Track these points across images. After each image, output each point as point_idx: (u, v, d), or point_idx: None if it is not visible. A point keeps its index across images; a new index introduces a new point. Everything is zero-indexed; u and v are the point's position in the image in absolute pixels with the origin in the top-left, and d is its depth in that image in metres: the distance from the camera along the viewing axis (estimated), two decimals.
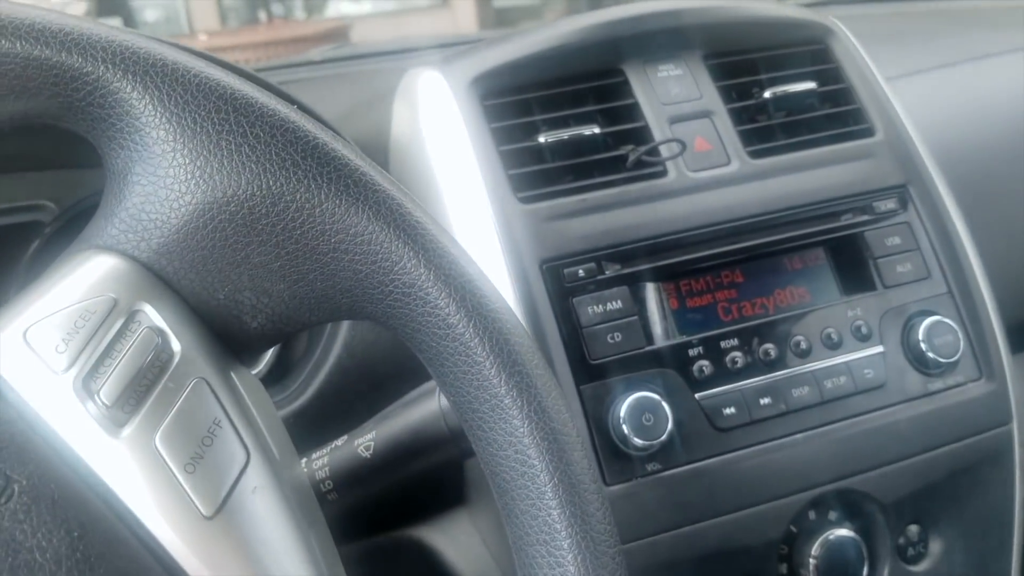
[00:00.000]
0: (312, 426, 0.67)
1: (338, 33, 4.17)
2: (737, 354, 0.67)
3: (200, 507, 0.35)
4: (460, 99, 0.70)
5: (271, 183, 0.37)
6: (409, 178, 0.76)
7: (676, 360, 0.65)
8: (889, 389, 0.68)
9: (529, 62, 0.72)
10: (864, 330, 0.69)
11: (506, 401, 0.38)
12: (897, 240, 0.72)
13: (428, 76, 0.73)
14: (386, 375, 0.68)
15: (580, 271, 0.66)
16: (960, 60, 0.91)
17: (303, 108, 0.70)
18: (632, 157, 0.69)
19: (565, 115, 0.72)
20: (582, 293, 0.66)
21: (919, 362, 0.69)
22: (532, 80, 0.72)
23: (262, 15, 6.43)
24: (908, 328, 0.70)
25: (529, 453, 0.38)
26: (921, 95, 0.86)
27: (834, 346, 0.68)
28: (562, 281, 0.66)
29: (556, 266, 0.66)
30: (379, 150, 0.81)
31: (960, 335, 0.69)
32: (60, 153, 0.72)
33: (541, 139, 0.70)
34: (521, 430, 0.38)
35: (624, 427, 0.62)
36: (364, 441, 0.53)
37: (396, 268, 0.38)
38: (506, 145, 0.69)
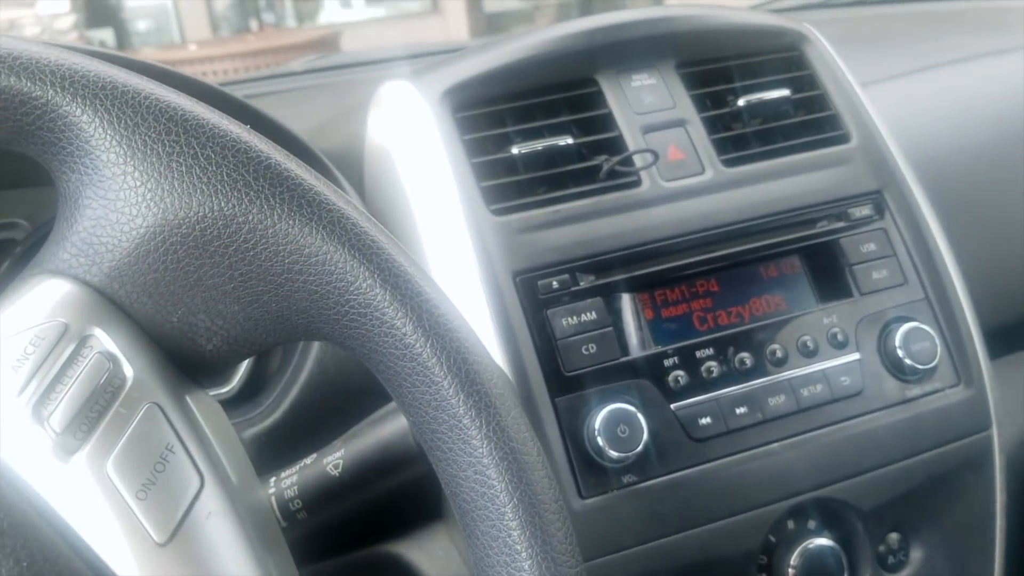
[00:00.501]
0: (286, 442, 0.67)
1: (327, 42, 4.17)
2: (713, 363, 0.66)
3: (153, 534, 0.34)
4: (432, 111, 0.70)
5: (223, 204, 0.37)
6: (383, 190, 0.76)
7: (651, 371, 0.65)
8: (867, 396, 0.68)
9: (502, 73, 0.72)
10: (840, 337, 0.69)
11: (464, 421, 0.38)
12: (873, 247, 0.72)
13: (400, 88, 0.73)
14: (359, 390, 0.68)
15: (554, 282, 0.66)
16: (937, 64, 0.91)
17: (270, 124, 0.70)
18: (605, 167, 0.69)
19: (538, 126, 0.72)
20: (556, 305, 0.65)
21: (896, 369, 0.69)
22: (505, 91, 0.72)
23: (253, 24, 6.43)
24: (885, 335, 0.70)
25: (488, 473, 0.38)
26: (897, 100, 0.86)
27: (810, 354, 0.68)
28: (536, 293, 0.65)
29: (530, 278, 0.66)
30: (355, 161, 0.81)
31: (937, 341, 0.69)
32: (32, 171, 0.72)
33: (514, 151, 0.69)
34: (480, 451, 0.38)
35: (599, 439, 0.61)
36: (333, 459, 0.53)
37: (351, 288, 0.38)
38: (478, 157, 0.69)
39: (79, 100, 0.36)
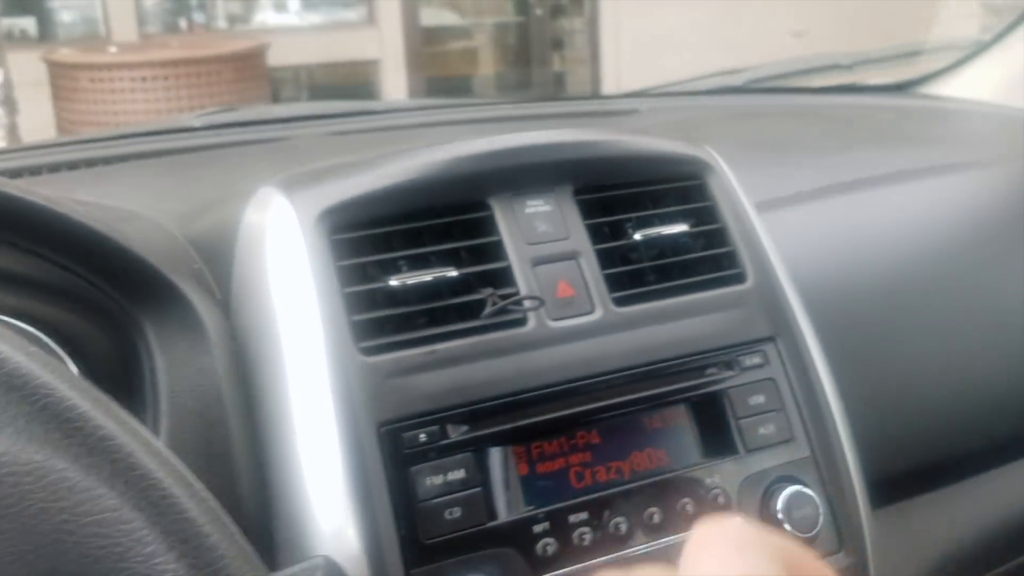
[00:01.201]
0: None
1: (253, 55, 4.04)
2: (586, 529, 0.62)
3: None
4: (305, 232, 0.65)
5: None
6: (250, 302, 0.70)
7: (519, 538, 0.61)
8: None
9: (387, 194, 0.67)
10: (721, 500, 0.66)
11: None
12: (761, 399, 0.69)
13: (274, 200, 0.67)
14: None
15: (421, 435, 0.61)
16: (839, 186, 0.90)
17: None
18: (488, 309, 0.65)
19: (422, 253, 0.67)
20: (421, 461, 0.60)
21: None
22: (388, 213, 0.67)
23: (183, 22, 6.23)
24: (767, 497, 0.67)
25: None
26: (794, 229, 0.84)
27: (690, 518, 0.65)
28: (400, 447, 0.60)
29: (395, 430, 0.61)
30: (227, 256, 0.75)
31: (820, 506, 0.67)
32: None
33: (393, 282, 0.64)
34: None
35: None
36: None
37: (132, 555, 0.32)
38: (353, 286, 0.64)
39: None
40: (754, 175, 0.90)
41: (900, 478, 0.78)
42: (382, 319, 0.64)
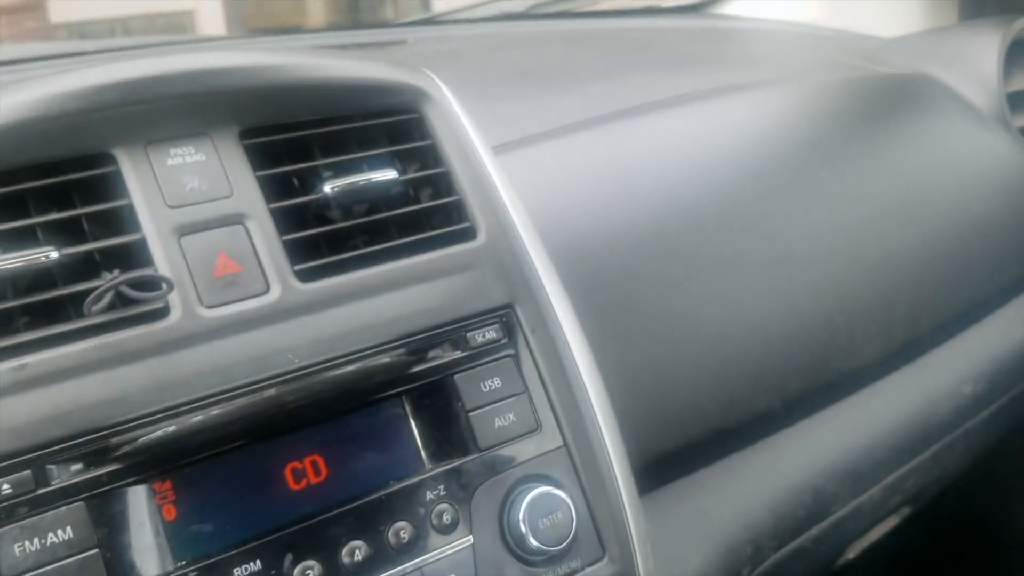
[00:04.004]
0: None
1: (28, 7, 3.60)
2: None
3: None
4: None
5: None
6: None
7: None
8: None
9: None
10: (448, 517, 0.52)
11: None
12: (498, 383, 0.55)
13: None
14: None
15: (5, 486, 0.43)
16: (602, 119, 0.76)
17: None
18: (98, 301, 0.47)
19: (18, 228, 0.48)
20: (6, 522, 0.43)
21: (522, 551, 0.53)
22: None
23: None
24: (508, 506, 0.53)
25: None
26: (545, 170, 0.70)
27: (406, 548, 0.50)
28: None
29: None
30: None
31: (573, 508, 0.54)
32: None
33: None
34: None
35: None
36: None
37: None
38: None
39: None
40: (513, 108, 0.76)
41: (680, 452, 0.67)
42: None
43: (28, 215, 0.49)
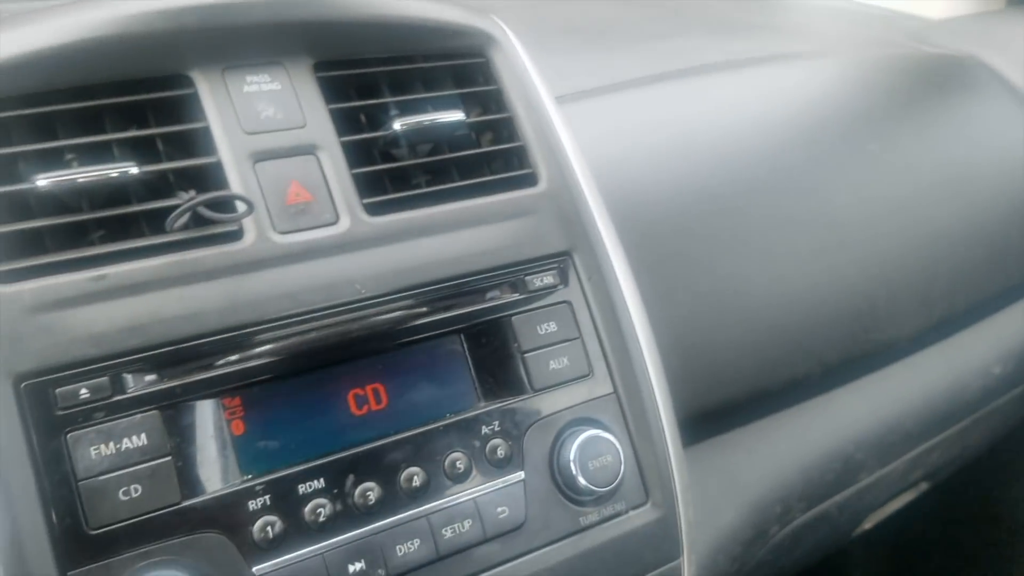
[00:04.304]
0: None
1: None
2: (322, 501, 0.48)
3: None
4: None
5: None
6: None
7: (228, 519, 0.46)
8: (529, 530, 0.53)
9: (47, 59, 0.48)
10: (502, 452, 0.53)
11: None
12: (553, 327, 0.56)
13: None
14: None
15: (83, 390, 0.44)
16: (660, 76, 0.77)
17: None
18: (177, 215, 0.48)
19: (95, 143, 0.49)
20: (83, 425, 0.44)
21: (570, 489, 0.54)
22: (48, 87, 0.49)
23: None
24: (558, 446, 0.54)
25: None
26: (604, 124, 0.70)
27: (460, 478, 0.52)
28: (52, 408, 0.44)
29: (43, 384, 0.44)
30: None
31: (621, 452, 0.55)
32: None
33: (40, 181, 0.46)
34: None
35: None
36: None
37: None
38: None
39: None
40: (568, 62, 0.76)
41: (718, 410, 0.68)
42: (25, 234, 0.46)
43: (104, 132, 0.50)
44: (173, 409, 0.46)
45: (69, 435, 0.44)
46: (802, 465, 0.72)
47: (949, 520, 1.26)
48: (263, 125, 0.53)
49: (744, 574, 0.71)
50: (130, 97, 0.51)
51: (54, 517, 0.43)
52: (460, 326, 0.54)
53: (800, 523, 0.72)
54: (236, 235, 0.50)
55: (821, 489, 0.74)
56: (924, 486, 0.96)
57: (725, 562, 0.66)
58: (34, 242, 0.46)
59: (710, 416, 0.68)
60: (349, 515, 0.48)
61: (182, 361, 0.47)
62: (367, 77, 0.57)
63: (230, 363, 0.48)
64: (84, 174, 0.47)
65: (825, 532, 0.78)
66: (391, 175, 0.56)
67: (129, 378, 0.46)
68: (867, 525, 0.92)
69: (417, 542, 0.49)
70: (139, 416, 0.45)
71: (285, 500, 0.47)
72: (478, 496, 0.51)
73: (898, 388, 0.78)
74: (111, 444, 0.44)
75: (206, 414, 0.47)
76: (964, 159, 0.87)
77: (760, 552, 0.71)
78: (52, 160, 0.48)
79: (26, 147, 0.47)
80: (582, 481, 0.53)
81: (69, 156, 0.49)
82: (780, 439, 0.71)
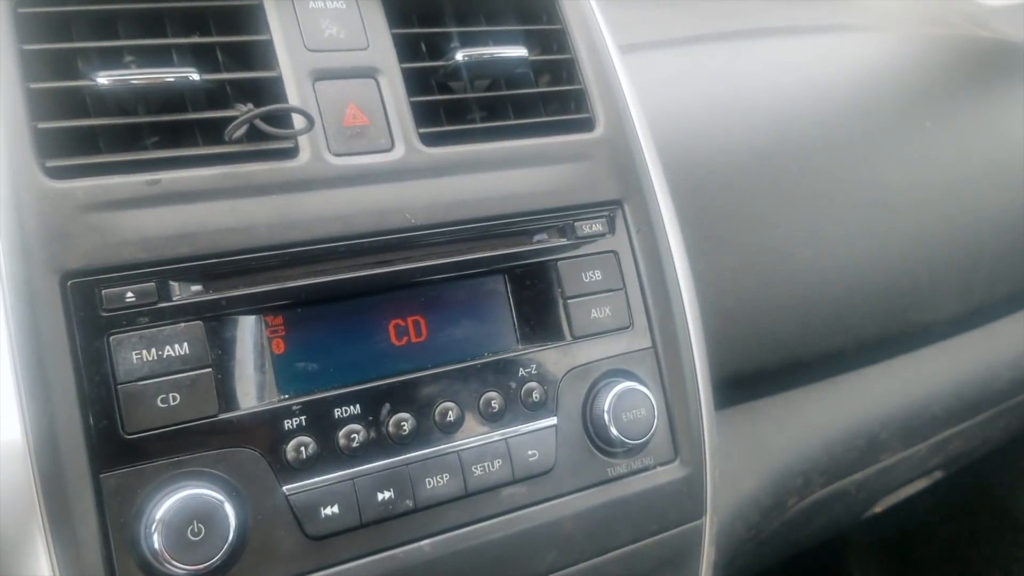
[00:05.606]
0: None
1: None
2: (356, 427, 0.48)
3: None
4: None
5: None
6: None
7: (263, 435, 0.46)
8: (557, 476, 0.52)
9: None
10: (537, 396, 0.52)
11: None
12: (598, 275, 0.56)
13: None
14: None
15: (129, 294, 0.44)
16: (723, 35, 0.75)
17: None
18: (236, 125, 0.47)
19: (154, 46, 0.48)
20: (126, 328, 0.44)
21: (601, 440, 0.54)
22: None
23: None
24: (593, 395, 0.54)
25: None
26: (665, 77, 0.69)
27: (494, 417, 0.51)
28: (96, 308, 0.43)
29: (89, 284, 0.43)
30: None
31: (655, 407, 0.55)
32: None
33: (101, 80, 0.46)
34: None
35: (156, 541, 0.42)
36: None
37: None
38: (41, 81, 0.45)
39: None
40: (631, 14, 0.74)
41: (751, 377, 0.67)
42: (80, 131, 0.46)
43: (165, 36, 0.49)
44: (217, 321, 0.46)
45: (112, 337, 0.43)
46: (827, 439, 0.71)
47: (953, 513, 1.26)
48: (326, 43, 0.51)
49: (757, 543, 0.71)
50: (194, 2, 0.50)
51: (91, 418, 0.42)
52: (505, 265, 0.54)
53: (818, 497, 0.72)
54: (291, 153, 0.49)
55: (843, 465, 0.73)
56: (937, 475, 0.95)
57: (743, 528, 0.66)
58: (88, 141, 0.46)
59: (742, 382, 0.67)
60: (382, 444, 0.48)
61: (229, 274, 0.46)
62: (431, 5, 0.56)
63: (276, 279, 0.47)
64: (142, 76, 0.47)
65: (839, 510, 0.78)
66: (447, 107, 0.55)
67: (176, 286, 0.45)
68: (877, 509, 0.92)
69: (447, 476, 0.49)
70: (183, 325, 0.45)
71: (320, 423, 0.47)
72: (510, 437, 0.51)
73: (929, 371, 0.78)
74: (153, 350, 0.44)
75: (248, 330, 0.47)
76: (1017, 146, 0.86)
77: (775, 523, 0.71)
78: (111, 60, 0.47)
79: (85, 43, 0.47)
80: (614, 432, 0.53)
81: (128, 58, 0.48)
82: (808, 412, 0.71)
